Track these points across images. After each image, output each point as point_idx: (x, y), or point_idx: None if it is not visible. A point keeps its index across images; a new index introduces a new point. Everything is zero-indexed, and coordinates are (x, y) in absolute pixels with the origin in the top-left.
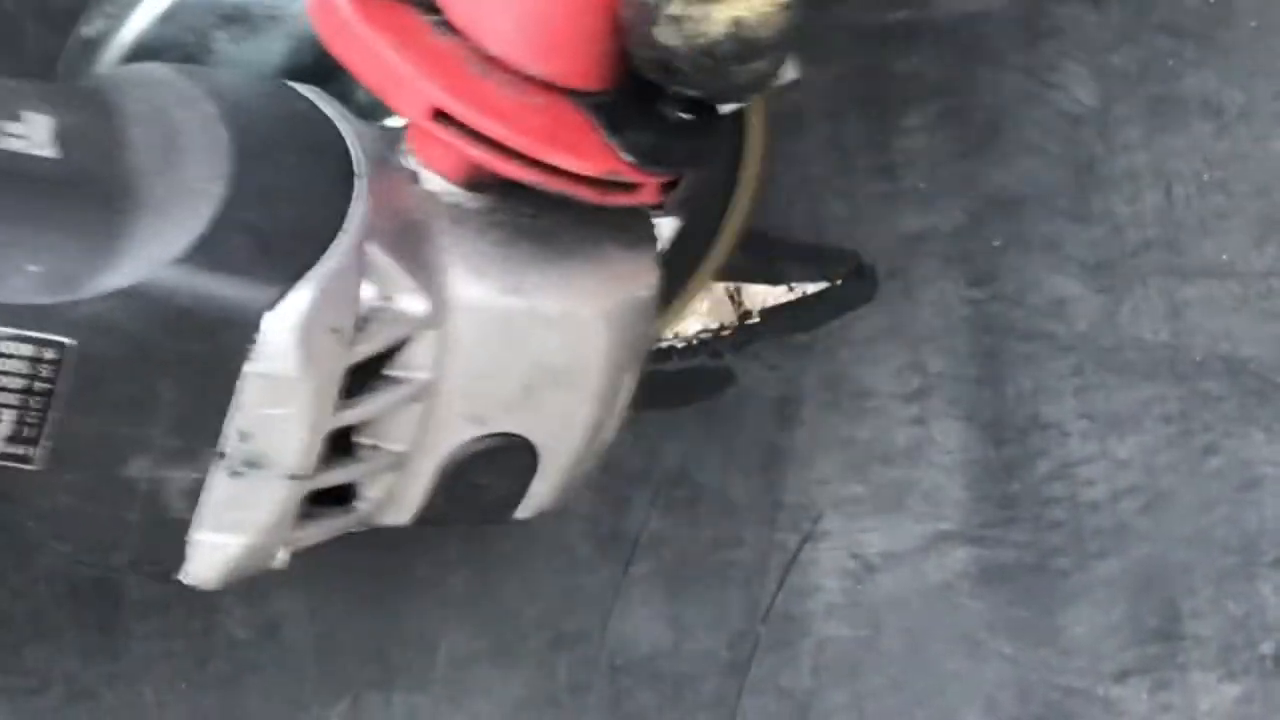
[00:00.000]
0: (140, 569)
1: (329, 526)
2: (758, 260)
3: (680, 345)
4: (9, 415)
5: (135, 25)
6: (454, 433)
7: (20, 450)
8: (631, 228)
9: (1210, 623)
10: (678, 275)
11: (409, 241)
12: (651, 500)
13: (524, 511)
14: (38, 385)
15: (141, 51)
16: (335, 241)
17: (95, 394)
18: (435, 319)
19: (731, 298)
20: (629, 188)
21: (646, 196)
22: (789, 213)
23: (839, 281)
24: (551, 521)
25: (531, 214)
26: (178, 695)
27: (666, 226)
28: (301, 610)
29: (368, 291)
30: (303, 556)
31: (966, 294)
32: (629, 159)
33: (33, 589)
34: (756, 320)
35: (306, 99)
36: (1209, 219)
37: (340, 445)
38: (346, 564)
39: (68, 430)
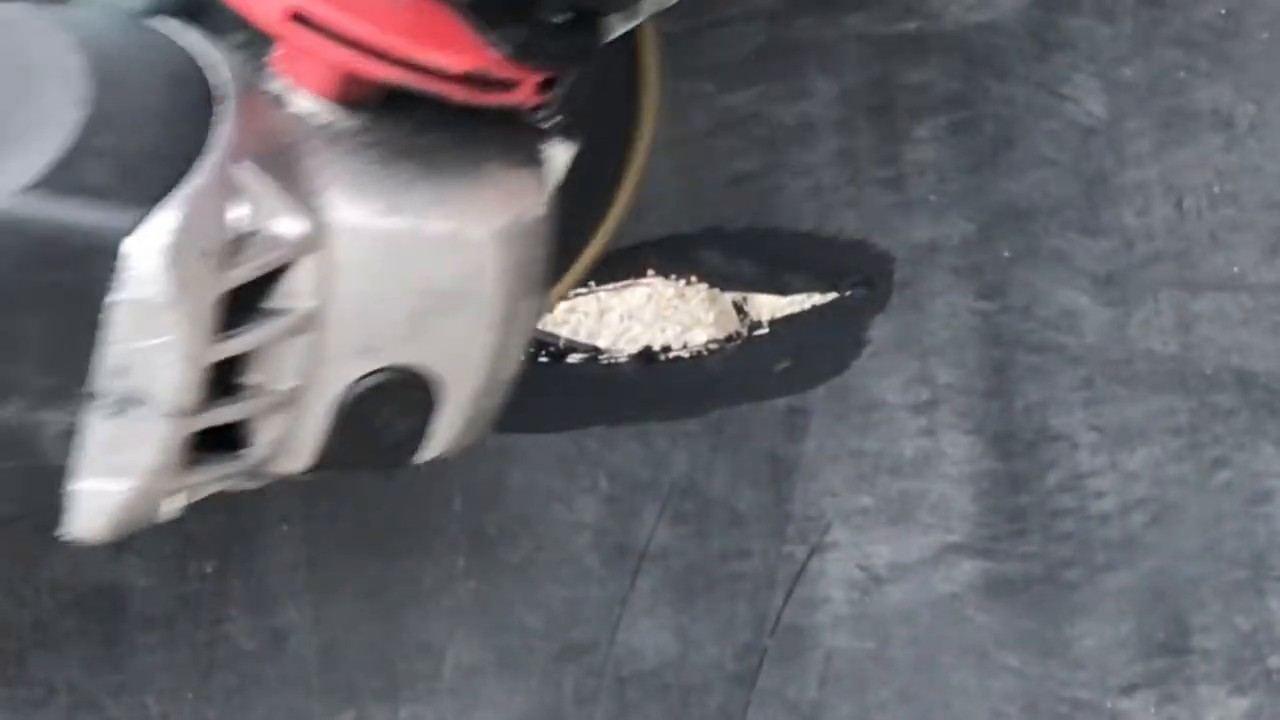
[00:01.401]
0: (24, 521)
1: (219, 472)
2: (764, 270)
3: (688, 355)
4: None
5: None
6: (345, 367)
7: None
8: (518, 148)
9: (1219, 636)
10: (583, 212)
11: (282, 164)
12: (659, 512)
13: (429, 452)
14: None
15: None
16: (198, 163)
17: None
18: (313, 243)
19: (738, 308)
20: (505, 86)
21: (523, 95)
22: (798, 223)
23: (848, 293)
24: (558, 532)
25: (410, 133)
26: (182, 706)
27: (561, 153)
28: (307, 621)
29: (238, 213)
30: (309, 567)
31: (976, 306)
32: (501, 53)
33: (37, 598)
34: (765, 331)
35: (162, 32)
36: (1219, 231)
37: (226, 385)
38: (352, 575)
39: None
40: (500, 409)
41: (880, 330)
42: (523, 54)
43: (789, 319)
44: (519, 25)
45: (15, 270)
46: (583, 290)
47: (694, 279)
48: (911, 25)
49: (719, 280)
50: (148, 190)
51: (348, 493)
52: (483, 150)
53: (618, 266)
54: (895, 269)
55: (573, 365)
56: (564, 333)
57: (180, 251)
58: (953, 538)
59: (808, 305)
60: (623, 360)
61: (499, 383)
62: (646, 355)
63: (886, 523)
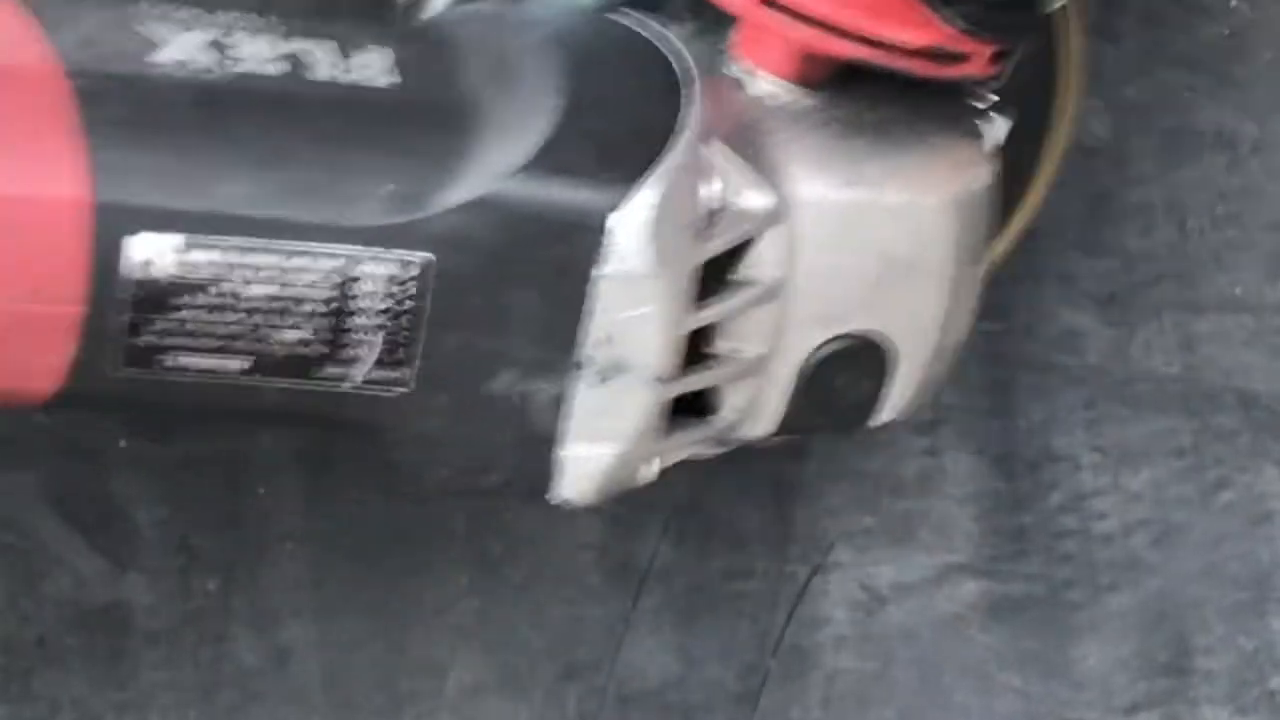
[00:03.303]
0: (513, 489)
1: (695, 437)
2: None
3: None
4: (377, 338)
5: None
6: (808, 334)
7: (392, 374)
8: (961, 121)
9: (1221, 657)
10: (1012, 181)
11: (746, 141)
12: (662, 531)
13: (884, 415)
14: (400, 305)
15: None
16: (672, 141)
17: (456, 309)
18: (779, 215)
19: None
20: (958, 59)
21: (976, 68)
22: None
23: None
24: (561, 551)
25: (863, 109)
26: None
27: (1000, 126)
28: (310, 639)
29: (710, 189)
30: (312, 585)
31: (978, 326)
32: (956, 27)
33: (41, 615)
34: None
35: (625, 24)
36: (1222, 252)
37: (698, 355)
38: (356, 593)
39: (433, 348)
40: (949, 375)
41: None
42: (974, 27)
43: None
44: (968, 2)
45: (509, 248)
46: None
47: None
48: None
49: None
50: (627, 170)
51: (351, 511)
52: (930, 124)
53: None
54: None
55: None
56: None
57: (660, 226)
58: (955, 558)
59: None
60: None
61: (949, 348)
62: None
63: (889, 543)
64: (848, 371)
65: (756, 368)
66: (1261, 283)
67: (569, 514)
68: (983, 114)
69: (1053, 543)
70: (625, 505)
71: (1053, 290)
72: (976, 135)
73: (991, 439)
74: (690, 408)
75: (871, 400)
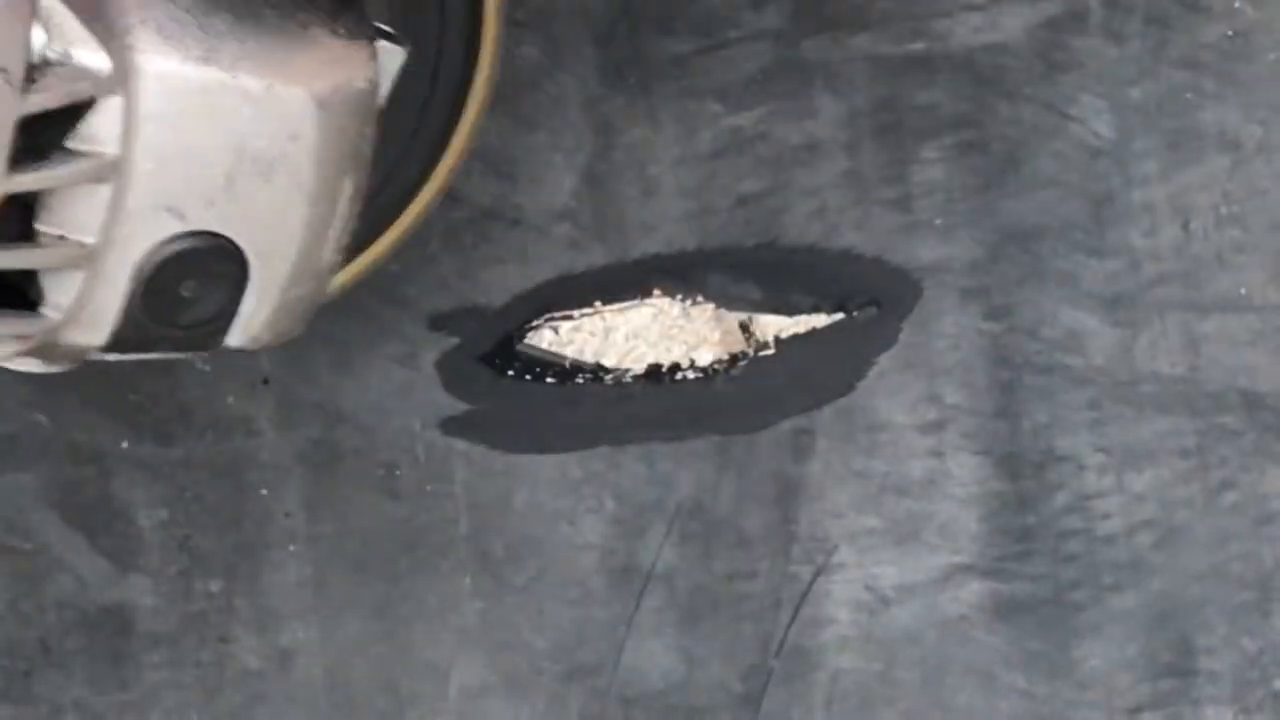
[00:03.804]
0: None
1: (9, 329)
2: (771, 291)
3: (693, 375)
4: None
5: None
6: (148, 226)
7: None
8: (349, 26)
9: (1225, 658)
10: (436, 113)
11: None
12: (665, 532)
13: (238, 336)
14: None
15: None
16: None
17: None
18: (118, 83)
19: (744, 328)
20: None
21: None
22: (804, 243)
23: (855, 313)
24: (564, 553)
25: None
26: None
27: (392, 52)
28: (313, 641)
29: (38, 38)
30: (315, 587)
31: (983, 327)
32: None
33: (43, 617)
34: (771, 351)
35: None
36: (1226, 253)
37: (20, 232)
38: (358, 595)
39: None
40: (313, 306)
41: (887, 351)
42: None
43: (795, 339)
44: None
45: None
46: (589, 310)
47: (700, 299)
48: (918, 46)
49: (725, 300)
50: None
51: (354, 513)
52: (305, 14)
53: (623, 285)
54: (908, 290)
55: (579, 385)
56: (569, 353)
57: None
58: (960, 558)
59: (814, 326)
60: (629, 380)
61: (313, 270)
62: (653, 375)
63: (893, 543)
64: (195, 278)
65: (87, 257)
66: (1266, 283)
67: (572, 516)
68: (377, 31)
69: (1057, 543)
70: (628, 507)
71: (1057, 291)
72: (358, 34)
73: (996, 440)
74: (13, 299)
75: (222, 316)
